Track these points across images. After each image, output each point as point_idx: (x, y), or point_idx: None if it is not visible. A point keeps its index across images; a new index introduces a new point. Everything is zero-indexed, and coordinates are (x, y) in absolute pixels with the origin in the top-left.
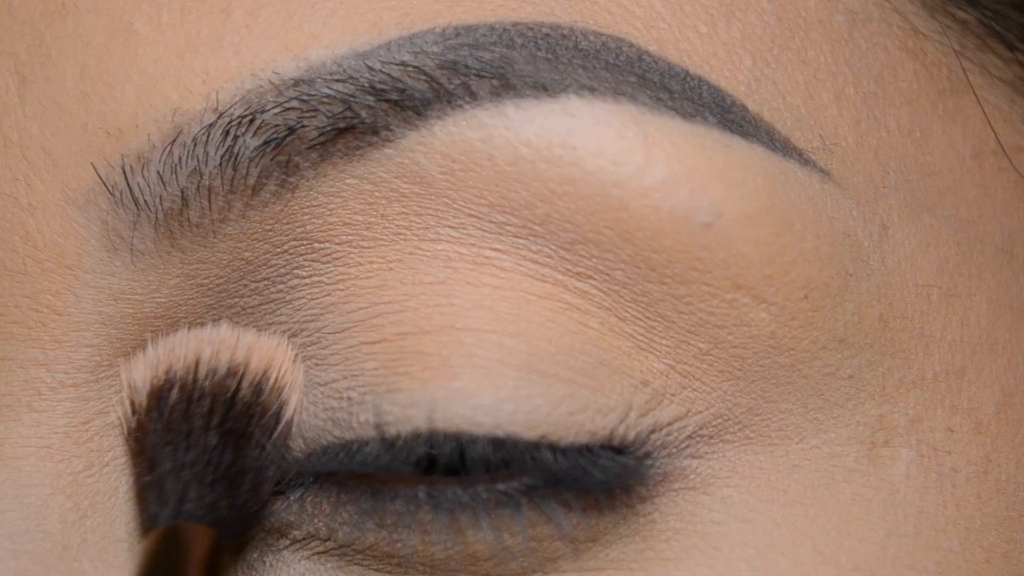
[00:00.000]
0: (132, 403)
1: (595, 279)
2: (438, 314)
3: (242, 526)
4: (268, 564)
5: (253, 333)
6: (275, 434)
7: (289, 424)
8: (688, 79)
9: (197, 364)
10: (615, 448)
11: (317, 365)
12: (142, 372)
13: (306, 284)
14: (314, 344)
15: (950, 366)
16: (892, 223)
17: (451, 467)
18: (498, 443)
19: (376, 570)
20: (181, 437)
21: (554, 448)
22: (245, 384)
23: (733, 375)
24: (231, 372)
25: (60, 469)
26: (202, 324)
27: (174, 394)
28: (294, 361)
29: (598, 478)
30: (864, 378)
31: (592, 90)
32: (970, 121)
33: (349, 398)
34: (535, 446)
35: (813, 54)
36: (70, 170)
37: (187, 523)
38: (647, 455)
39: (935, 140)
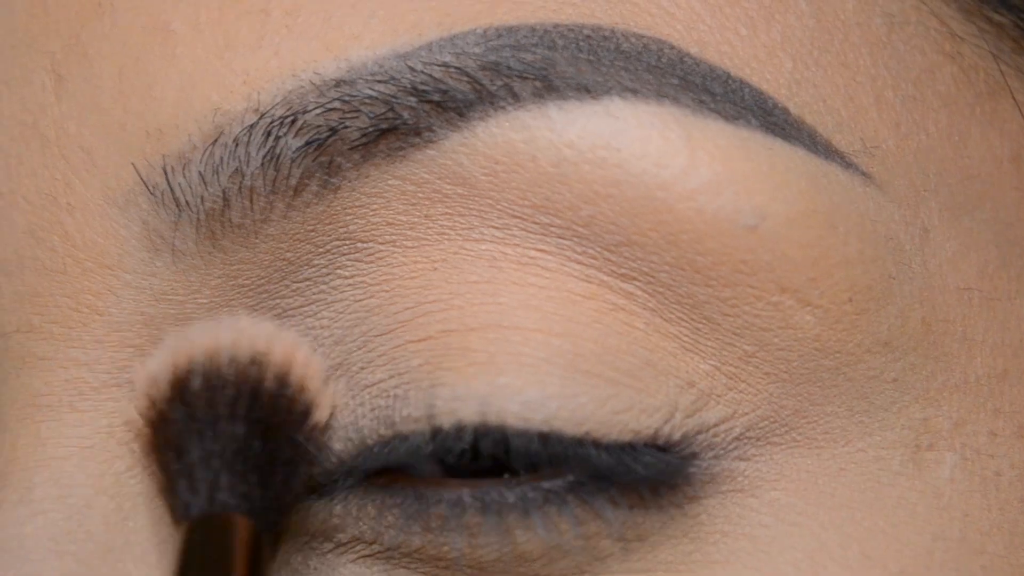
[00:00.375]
0: (152, 395)
1: (640, 280)
2: (484, 312)
3: (276, 517)
4: (313, 567)
5: (273, 324)
6: (305, 430)
7: (321, 428)
8: (730, 81)
9: (216, 351)
10: (659, 447)
11: (363, 369)
12: (161, 362)
13: (349, 285)
14: (360, 348)
15: (992, 369)
16: (933, 226)
17: (495, 458)
18: (543, 438)
19: (423, 573)
20: (207, 426)
21: (597, 444)
22: (268, 374)
23: (779, 377)
24: (253, 361)
25: (103, 469)
26: (218, 314)
27: (196, 382)
28: (311, 358)
29: (641, 474)
30: (908, 381)
31: (635, 92)
32: (1007, 124)
33: (395, 395)
34: (579, 442)
35: (852, 57)
36: (109, 170)
37: (224, 513)
38: (693, 455)
39: (974, 143)
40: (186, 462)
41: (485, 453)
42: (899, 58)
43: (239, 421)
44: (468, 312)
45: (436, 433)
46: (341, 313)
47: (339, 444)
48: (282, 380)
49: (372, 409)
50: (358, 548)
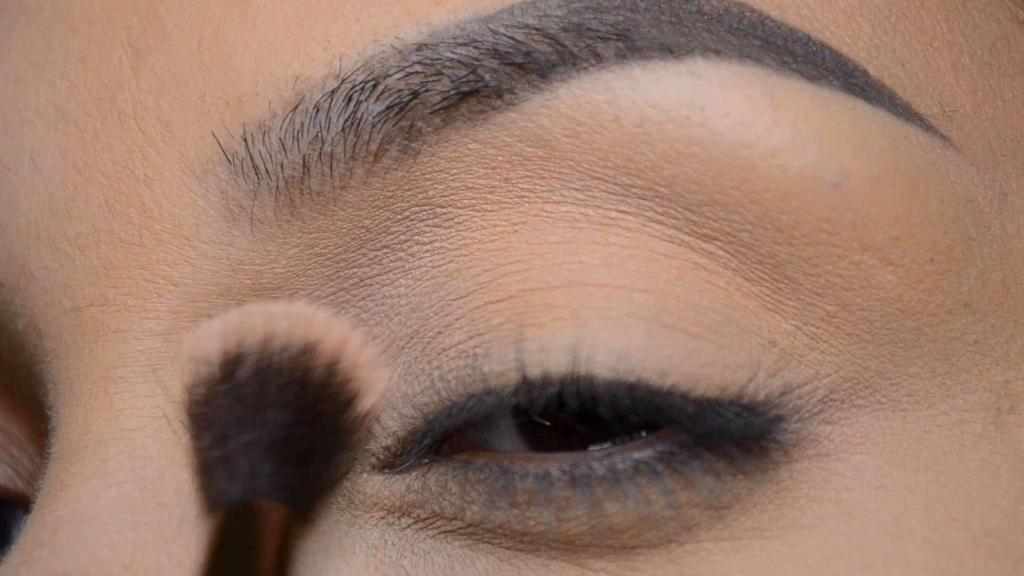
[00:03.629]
0: (201, 374)
1: (721, 240)
2: (565, 271)
3: (311, 503)
4: (391, 543)
5: (328, 312)
6: (346, 418)
7: (363, 417)
8: (810, 44)
9: (271, 338)
10: (745, 406)
11: (440, 333)
12: (212, 343)
13: (427, 251)
14: (438, 313)
15: None
16: (1011, 191)
17: (583, 410)
18: (630, 388)
19: (506, 548)
20: (253, 412)
21: (685, 397)
22: (319, 363)
23: (861, 338)
24: (305, 349)
25: (175, 440)
26: (275, 299)
27: (247, 367)
28: (364, 346)
29: (730, 431)
30: (988, 343)
31: (718, 52)
32: None
33: (475, 354)
34: (667, 393)
35: (929, 23)
36: (187, 140)
37: (258, 500)
38: (780, 418)
39: None
40: (227, 448)
41: (571, 404)
42: (975, 25)
43: (286, 409)
44: (549, 271)
45: (522, 384)
46: (419, 280)
47: (411, 411)
48: (332, 369)
49: (450, 370)
50: (438, 524)
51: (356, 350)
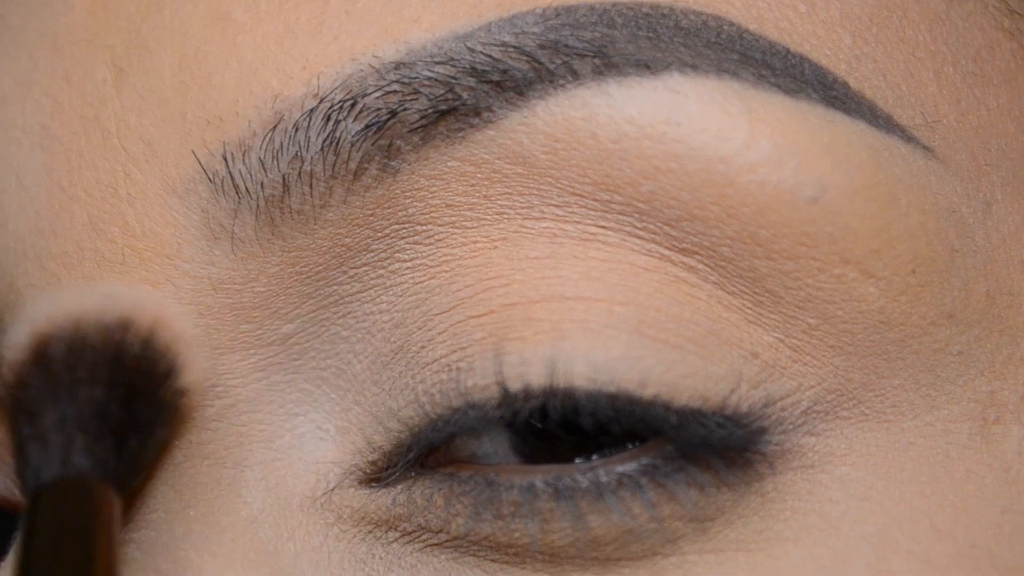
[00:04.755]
0: (13, 362)
1: (701, 254)
2: (546, 285)
3: (131, 479)
4: (378, 557)
5: (144, 289)
6: (163, 392)
7: (183, 392)
8: (789, 56)
9: (83, 317)
10: (728, 417)
11: (423, 348)
12: (22, 329)
13: (408, 268)
14: (420, 328)
15: None
16: (995, 200)
17: (566, 422)
18: (611, 399)
19: (492, 560)
20: (66, 389)
21: (667, 407)
22: (134, 337)
23: (844, 350)
24: (120, 325)
25: (161, 460)
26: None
27: (59, 347)
28: (184, 322)
29: (713, 443)
30: (973, 354)
31: (695, 67)
32: None
33: (458, 368)
34: (648, 404)
35: (911, 33)
36: (169, 159)
37: (80, 477)
38: (763, 430)
39: None
40: (39, 426)
41: (554, 416)
42: (958, 34)
43: (99, 384)
44: (530, 285)
45: (504, 397)
46: (400, 296)
47: (396, 424)
48: (148, 344)
49: (434, 384)
50: (424, 537)
51: (173, 325)
